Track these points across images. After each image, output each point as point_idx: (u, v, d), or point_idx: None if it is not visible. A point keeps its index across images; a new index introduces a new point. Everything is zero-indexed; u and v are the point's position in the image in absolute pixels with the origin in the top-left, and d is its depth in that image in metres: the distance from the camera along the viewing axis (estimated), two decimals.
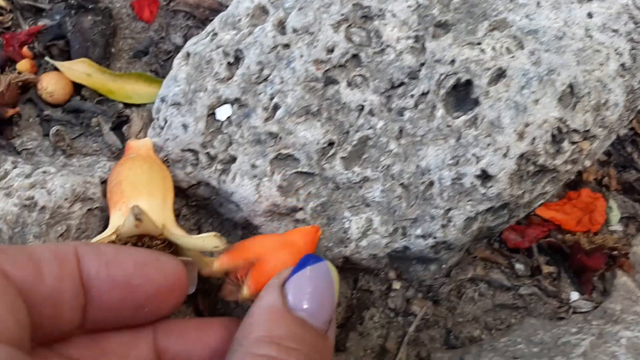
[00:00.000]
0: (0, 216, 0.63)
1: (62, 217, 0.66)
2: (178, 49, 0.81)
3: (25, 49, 0.78)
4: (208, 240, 0.61)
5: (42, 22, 0.81)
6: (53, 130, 0.74)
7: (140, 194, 0.63)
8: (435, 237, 0.67)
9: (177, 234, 0.61)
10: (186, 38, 0.81)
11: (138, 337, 0.47)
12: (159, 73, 0.80)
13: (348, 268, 0.72)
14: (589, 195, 0.80)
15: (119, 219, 0.62)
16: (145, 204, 0.63)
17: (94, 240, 0.61)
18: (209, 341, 0.48)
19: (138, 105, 0.78)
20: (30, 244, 0.42)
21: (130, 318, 0.45)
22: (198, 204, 0.76)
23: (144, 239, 0.60)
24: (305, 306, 0.42)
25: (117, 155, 0.75)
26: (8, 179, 0.68)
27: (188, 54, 0.70)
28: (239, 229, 0.75)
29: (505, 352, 0.68)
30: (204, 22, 0.81)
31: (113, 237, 0.57)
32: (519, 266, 0.76)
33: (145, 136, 0.74)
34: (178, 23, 0.83)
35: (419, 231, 0.67)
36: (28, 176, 0.68)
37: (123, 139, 0.76)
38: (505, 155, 0.65)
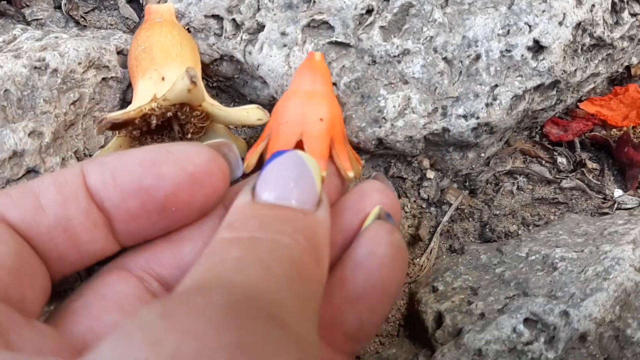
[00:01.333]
0: (9, 77, 0.58)
1: (75, 84, 0.61)
2: None
3: None
4: (252, 112, 0.56)
5: None
6: None
7: (173, 60, 0.58)
8: (478, 118, 0.62)
9: (217, 105, 0.56)
10: None
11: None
12: None
13: (380, 154, 0.67)
14: (637, 90, 0.75)
15: (149, 88, 0.56)
16: (177, 72, 0.57)
17: (127, 108, 0.56)
18: None
19: None
20: (34, 179, 0.39)
21: (164, 222, 0.41)
22: (219, 85, 0.71)
23: (184, 108, 0.55)
24: (270, 192, 0.38)
25: (134, 29, 0.70)
26: (17, 41, 0.63)
27: None
28: None
29: (546, 242, 0.64)
30: None
31: (152, 105, 0.52)
32: (561, 160, 0.71)
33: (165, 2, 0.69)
34: None
35: (460, 110, 0.62)
36: (39, 39, 0.62)
37: (140, 11, 0.70)
38: (560, 23, 0.59)
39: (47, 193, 0.37)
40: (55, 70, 0.59)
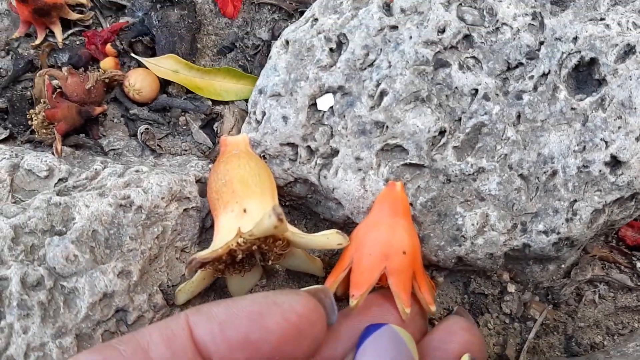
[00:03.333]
0: (96, 217, 0.59)
1: (159, 218, 0.62)
2: (265, 43, 0.77)
3: (108, 47, 0.75)
4: (332, 237, 0.57)
5: (124, 19, 0.79)
6: (141, 128, 0.71)
7: (253, 193, 0.59)
8: (558, 233, 0.61)
9: (299, 232, 0.56)
10: (273, 32, 0.77)
11: None
12: (247, 69, 0.76)
13: (458, 270, 0.67)
14: None
15: (232, 221, 0.58)
16: (259, 204, 0.59)
17: (213, 246, 0.57)
18: None
19: (226, 102, 0.74)
20: (140, 329, 0.40)
21: None
22: (292, 204, 0.72)
23: (267, 239, 0.56)
24: None
25: (208, 153, 0.72)
26: (100, 178, 0.65)
27: (287, 42, 0.66)
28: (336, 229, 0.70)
29: (637, 357, 0.62)
30: (291, 14, 0.78)
31: (239, 240, 0.53)
32: None
33: (237, 133, 0.71)
34: (263, 17, 0.79)
35: (540, 226, 0.61)
36: (121, 175, 0.64)
37: (213, 137, 0.72)
38: (638, 138, 0.59)
39: (157, 349, 0.38)
40: (140, 207, 0.61)
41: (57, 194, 0.61)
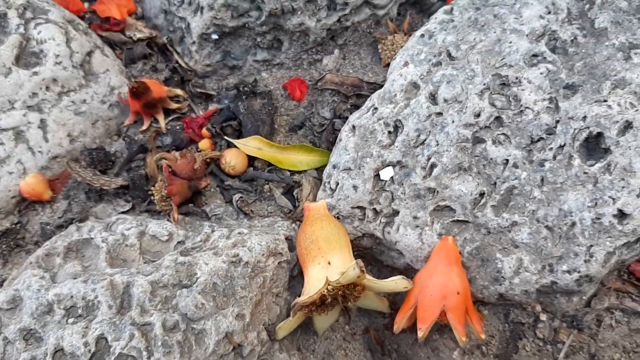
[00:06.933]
0: (214, 272, 0.76)
1: (260, 270, 0.79)
2: (328, 121, 0.95)
3: (204, 131, 0.93)
4: (399, 282, 0.73)
5: (213, 106, 0.97)
6: (237, 197, 0.88)
7: (334, 248, 0.75)
8: (579, 272, 0.76)
9: (373, 279, 0.73)
10: (334, 112, 0.95)
11: None
12: (316, 143, 0.94)
13: (499, 304, 0.82)
14: None
15: (320, 272, 0.74)
16: (340, 257, 0.75)
17: (307, 292, 0.73)
18: None
19: (300, 172, 0.92)
20: None
21: None
22: (359, 253, 0.88)
23: (349, 286, 0.72)
24: None
25: (290, 214, 0.88)
26: (212, 240, 0.82)
27: (354, 127, 0.83)
28: (397, 273, 0.86)
29: None
30: (348, 97, 0.95)
31: (328, 287, 0.70)
32: None
33: (313, 197, 0.88)
34: (325, 100, 0.97)
35: (564, 267, 0.77)
36: (228, 237, 0.81)
37: (293, 201, 0.89)
38: (639, 195, 0.74)
39: None
40: (247, 263, 0.78)
41: (181, 255, 0.78)
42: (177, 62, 1.01)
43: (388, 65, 0.95)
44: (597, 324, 0.84)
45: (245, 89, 0.92)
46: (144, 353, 0.70)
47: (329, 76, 0.97)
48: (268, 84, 0.99)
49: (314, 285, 0.74)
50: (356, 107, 0.92)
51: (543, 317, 0.82)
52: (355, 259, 0.87)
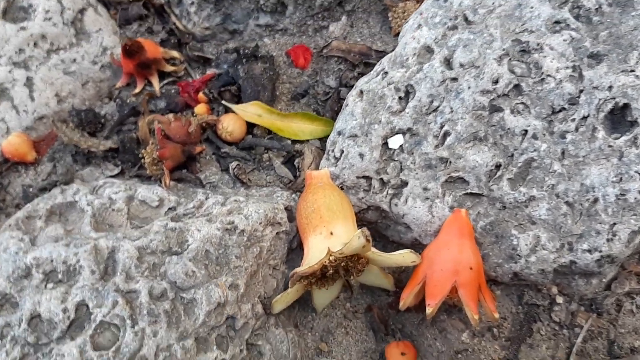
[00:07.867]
0: (207, 239, 0.70)
1: (257, 240, 0.73)
2: (334, 90, 0.89)
3: (201, 95, 0.87)
4: (407, 256, 0.67)
5: (211, 71, 0.91)
6: (233, 164, 0.83)
7: (338, 218, 0.70)
8: (600, 251, 0.71)
9: (378, 252, 0.67)
10: (340, 80, 0.89)
11: None
12: (320, 112, 0.88)
13: (513, 284, 0.77)
14: None
15: (321, 242, 0.68)
16: (343, 227, 0.70)
17: (307, 263, 0.67)
18: None
19: (302, 141, 0.86)
20: None
21: None
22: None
23: (353, 257, 0.66)
24: None
25: (290, 185, 0.83)
26: (206, 207, 0.76)
27: (361, 92, 0.77)
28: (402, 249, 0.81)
29: None
30: (355, 65, 0.90)
31: (330, 258, 0.64)
32: None
33: (315, 167, 0.82)
34: (330, 68, 0.91)
35: (585, 246, 0.71)
36: (223, 204, 0.76)
37: (293, 171, 0.84)
38: None
39: None
40: (242, 231, 0.72)
41: (172, 220, 0.73)
42: (174, 24, 0.95)
43: (398, 34, 0.90)
44: (617, 308, 0.78)
45: (246, 51, 0.87)
46: (128, 321, 0.64)
47: (335, 43, 0.91)
48: (270, 50, 0.94)
49: (314, 255, 0.68)
50: (363, 76, 0.86)
51: (559, 299, 0.77)
52: None
